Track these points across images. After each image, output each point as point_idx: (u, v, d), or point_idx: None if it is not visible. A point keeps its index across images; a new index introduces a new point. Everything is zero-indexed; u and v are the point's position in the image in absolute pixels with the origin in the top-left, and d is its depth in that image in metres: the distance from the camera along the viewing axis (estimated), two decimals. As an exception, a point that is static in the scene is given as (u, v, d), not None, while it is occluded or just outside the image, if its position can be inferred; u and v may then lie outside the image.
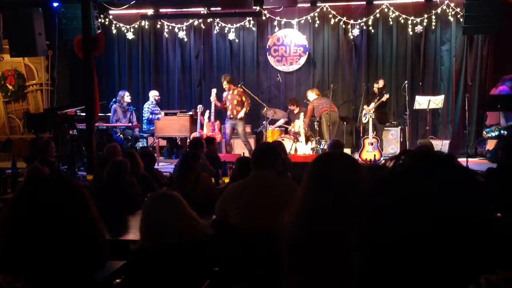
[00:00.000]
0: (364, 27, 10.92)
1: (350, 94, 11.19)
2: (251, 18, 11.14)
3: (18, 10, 9.55)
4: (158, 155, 9.51)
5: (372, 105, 9.82)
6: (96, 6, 9.63)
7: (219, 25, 11.32)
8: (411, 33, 10.76)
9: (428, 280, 0.81)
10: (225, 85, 9.85)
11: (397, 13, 10.74)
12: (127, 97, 10.37)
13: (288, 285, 2.05)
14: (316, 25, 11.10)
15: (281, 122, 10.70)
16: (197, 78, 11.69)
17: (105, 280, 2.49)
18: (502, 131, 9.31)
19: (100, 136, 9.56)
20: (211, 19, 11.22)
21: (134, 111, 10.38)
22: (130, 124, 10.00)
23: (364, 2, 10.85)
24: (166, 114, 10.12)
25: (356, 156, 9.29)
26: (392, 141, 10.30)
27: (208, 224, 3.05)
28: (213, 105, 9.88)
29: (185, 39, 11.51)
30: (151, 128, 10.27)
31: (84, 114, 8.84)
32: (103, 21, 11.06)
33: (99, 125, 9.60)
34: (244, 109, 9.78)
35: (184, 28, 11.41)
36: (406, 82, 10.35)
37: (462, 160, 8.46)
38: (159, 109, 10.51)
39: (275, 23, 11.19)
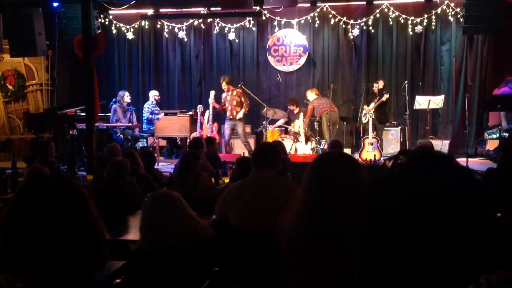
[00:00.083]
0: (364, 27, 10.91)
1: (350, 94, 11.19)
2: (251, 18, 11.13)
3: (18, 10, 9.54)
4: (158, 155, 9.51)
5: (372, 105, 9.82)
6: (96, 6, 9.63)
7: (219, 25, 11.32)
8: (411, 33, 10.75)
9: (428, 280, 0.81)
10: (224, 86, 9.83)
11: (397, 13, 10.73)
12: (127, 97, 10.37)
13: (288, 285, 2.05)
14: (316, 25, 11.10)
15: (281, 122, 10.70)
16: (197, 78, 11.68)
17: (105, 280, 2.49)
18: (503, 134, 9.30)
19: (100, 136, 9.55)
20: (211, 19, 11.21)
21: (134, 111, 10.38)
22: (130, 124, 10.00)
23: (364, 2, 10.85)
24: (166, 114, 10.12)
25: (356, 156, 9.28)
26: (392, 141, 10.30)
27: (208, 224, 3.05)
28: (211, 107, 9.87)
29: (185, 39, 11.51)
30: (151, 128, 10.27)
31: (84, 114, 8.84)
32: (103, 21, 11.06)
33: (99, 125, 9.60)
34: (243, 110, 9.76)
35: (184, 28, 11.41)
36: (406, 82, 10.34)
37: (462, 160, 8.46)
38: (159, 109, 10.50)
39: (275, 23, 11.18)
